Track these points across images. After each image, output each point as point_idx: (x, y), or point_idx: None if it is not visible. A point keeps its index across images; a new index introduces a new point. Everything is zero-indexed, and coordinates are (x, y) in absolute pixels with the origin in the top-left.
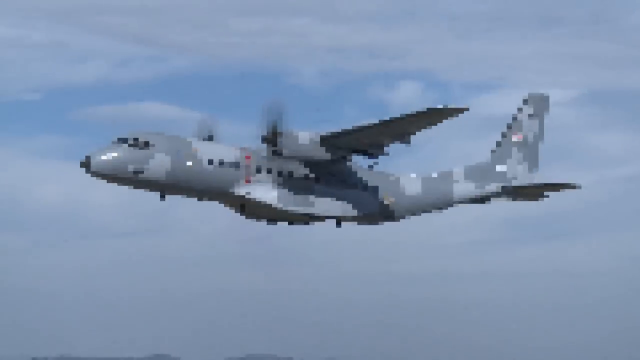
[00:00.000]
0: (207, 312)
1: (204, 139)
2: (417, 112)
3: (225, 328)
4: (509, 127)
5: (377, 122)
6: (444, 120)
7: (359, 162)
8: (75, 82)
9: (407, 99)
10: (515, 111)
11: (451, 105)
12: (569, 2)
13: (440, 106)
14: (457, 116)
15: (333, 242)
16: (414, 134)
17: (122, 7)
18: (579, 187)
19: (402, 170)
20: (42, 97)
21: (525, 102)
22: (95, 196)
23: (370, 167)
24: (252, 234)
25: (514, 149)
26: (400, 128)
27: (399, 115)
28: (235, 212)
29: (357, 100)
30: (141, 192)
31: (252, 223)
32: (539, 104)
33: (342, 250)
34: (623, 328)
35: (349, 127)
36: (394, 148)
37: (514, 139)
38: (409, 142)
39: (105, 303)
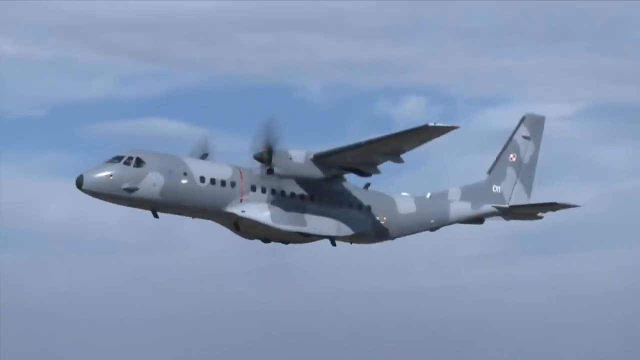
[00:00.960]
0: (215, 332)
1: (199, 157)
2: (405, 130)
3: (234, 348)
4: (505, 147)
5: (367, 140)
6: (436, 138)
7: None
8: (81, 98)
9: (412, 114)
10: (513, 129)
11: (439, 124)
12: (579, 16)
13: (432, 124)
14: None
15: (339, 259)
16: (405, 152)
17: (129, 23)
18: (577, 207)
19: (403, 186)
20: (47, 114)
21: (521, 122)
22: (103, 213)
23: (366, 186)
24: (251, 252)
25: (510, 170)
26: (391, 146)
27: (388, 133)
28: (230, 230)
29: (363, 116)
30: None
31: (248, 242)
32: (534, 126)
33: (343, 268)
34: (630, 346)
35: (341, 146)
36: (396, 166)
37: (510, 159)
38: (401, 160)
39: (121, 322)
